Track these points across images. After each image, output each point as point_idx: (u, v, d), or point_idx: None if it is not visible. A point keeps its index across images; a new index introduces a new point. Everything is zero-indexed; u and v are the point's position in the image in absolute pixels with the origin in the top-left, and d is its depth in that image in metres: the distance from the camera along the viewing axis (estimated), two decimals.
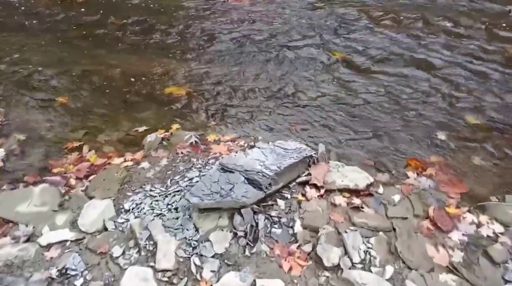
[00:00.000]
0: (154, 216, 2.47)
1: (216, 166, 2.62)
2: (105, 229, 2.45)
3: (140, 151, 3.21)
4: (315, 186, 2.76)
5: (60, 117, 3.69)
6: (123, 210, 2.57)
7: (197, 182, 2.71)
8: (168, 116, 3.73)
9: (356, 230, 2.41)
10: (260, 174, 2.51)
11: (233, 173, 2.52)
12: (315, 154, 3.01)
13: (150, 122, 3.61)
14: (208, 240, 2.31)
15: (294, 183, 2.78)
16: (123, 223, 2.47)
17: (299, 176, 2.84)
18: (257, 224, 2.43)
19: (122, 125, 3.60)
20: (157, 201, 2.59)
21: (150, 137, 3.28)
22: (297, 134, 3.44)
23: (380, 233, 2.43)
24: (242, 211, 2.42)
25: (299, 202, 2.63)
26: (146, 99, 3.99)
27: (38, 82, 4.20)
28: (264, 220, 2.47)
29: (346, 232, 2.40)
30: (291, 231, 2.44)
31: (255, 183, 2.46)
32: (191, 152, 3.14)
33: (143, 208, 2.54)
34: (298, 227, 2.45)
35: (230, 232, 2.37)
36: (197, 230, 2.36)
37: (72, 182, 2.87)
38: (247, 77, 4.27)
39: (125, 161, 3.07)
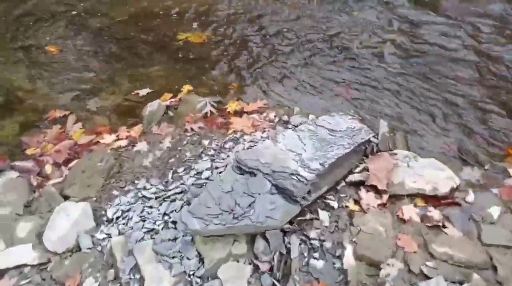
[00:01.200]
0: (144, 233, 1.76)
1: (231, 164, 1.83)
2: (79, 248, 1.77)
3: (139, 124, 2.45)
4: (374, 189, 1.93)
5: (46, 73, 2.95)
6: (105, 219, 1.87)
7: (207, 178, 1.95)
8: (179, 73, 2.90)
9: (437, 272, 1.59)
10: (295, 177, 1.70)
11: (255, 175, 1.72)
12: (374, 136, 2.13)
13: (156, 82, 2.81)
14: (217, 277, 1.58)
15: (343, 183, 1.96)
16: (103, 239, 1.78)
17: (351, 172, 2.01)
18: (288, 251, 1.68)
19: (121, 85, 2.82)
20: (150, 207, 1.86)
21: (152, 106, 2.48)
22: (349, 104, 2.53)
23: (474, 275, 1.61)
24: (268, 233, 1.66)
25: (351, 214, 1.83)
26: (155, 48, 3.16)
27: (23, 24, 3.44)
28: (300, 244, 1.70)
29: (423, 272, 1.60)
30: (338, 264, 1.66)
31: (287, 193, 1.66)
32: (204, 127, 2.35)
33: (131, 218, 1.83)
34: (349, 258, 1.67)
35: (250, 264, 1.64)
36: (201, 259, 1.64)
37: (48, 169, 2.18)
38: (285, 19, 3.29)
39: (117, 139, 2.34)
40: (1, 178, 2.08)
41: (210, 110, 2.47)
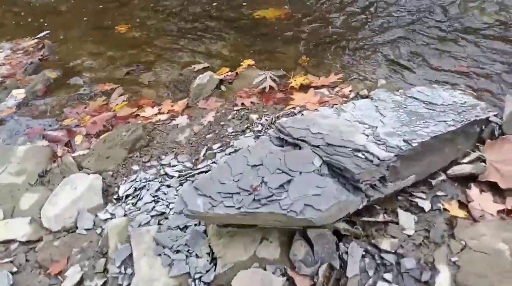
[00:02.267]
0: (152, 217, 1.33)
1: (269, 133, 1.32)
2: (76, 228, 1.41)
3: (185, 98, 2.08)
4: (493, 188, 1.25)
5: (110, 49, 2.79)
6: (115, 197, 1.49)
7: None
8: (246, 49, 2.50)
9: None
10: (361, 155, 1.12)
11: (300, 148, 1.18)
12: (496, 115, 1.43)
13: (217, 57, 2.44)
14: None
15: (442, 176, 1.30)
16: (105, 221, 1.40)
17: (455, 162, 1.34)
18: (343, 265, 1.09)
19: (180, 60, 2.52)
20: (168, 186, 1.43)
21: (201, 79, 2.10)
22: (459, 80, 1.84)
23: None
24: (310, 233, 1.10)
25: (452, 222, 1.17)
26: (225, 25, 2.82)
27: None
28: (363, 257, 1.10)
29: None
30: None
31: (345, 176, 1.09)
32: (259, 102, 1.88)
33: (142, 198, 1.42)
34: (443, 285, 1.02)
35: (282, 275, 1.09)
36: (213, 260, 1.14)
37: (78, 140, 1.91)
38: None
39: (159, 112, 1.99)
40: (26, 146, 1.85)
41: (270, 85, 1.99)
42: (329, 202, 1.01)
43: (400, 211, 1.20)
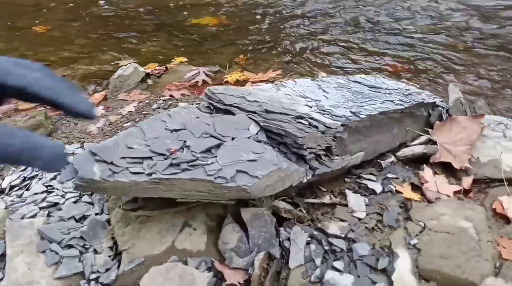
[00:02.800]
0: (40, 208, 1.02)
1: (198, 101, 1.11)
2: None
3: (104, 90, 1.81)
4: (446, 170, 1.12)
5: (23, 47, 2.46)
6: None
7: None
8: (177, 49, 2.30)
9: None
10: (304, 121, 0.94)
11: (233, 115, 0.98)
12: (441, 101, 1.35)
13: (146, 55, 2.22)
14: None
15: (391, 158, 1.16)
16: None
17: (404, 145, 1.22)
18: (285, 253, 0.87)
19: (103, 57, 2.25)
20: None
21: (123, 70, 1.85)
22: (398, 78, 1.79)
23: None
24: (245, 213, 0.87)
25: (405, 205, 1.01)
26: (158, 28, 2.63)
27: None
28: (308, 244, 0.89)
29: None
30: (382, 285, 0.83)
31: (286, 143, 0.90)
32: (190, 95, 1.66)
33: (31, 188, 1.11)
34: (404, 275, 0.83)
35: (207, 270, 0.84)
36: (116, 255, 0.87)
37: None
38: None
39: None
40: None
41: (203, 80, 1.80)
42: (267, 168, 0.80)
43: (348, 192, 1.02)
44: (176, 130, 0.88)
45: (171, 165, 0.78)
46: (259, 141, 0.89)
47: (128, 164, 0.77)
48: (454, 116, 1.25)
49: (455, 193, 1.05)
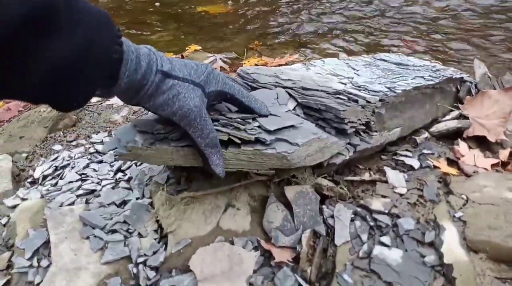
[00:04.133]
0: (77, 196, 1.02)
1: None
2: None
3: None
4: (481, 143, 1.12)
5: None
6: (29, 181, 1.15)
7: None
8: (190, 37, 2.29)
9: None
10: (343, 97, 0.93)
11: (269, 90, 0.97)
12: (468, 76, 1.34)
13: (158, 46, 2.20)
14: (188, 271, 0.79)
15: (425, 134, 1.15)
16: (14, 207, 1.05)
17: (436, 121, 1.21)
18: (330, 230, 0.87)
19: None
20: (100, 162, 1.13)
21: None
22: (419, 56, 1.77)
23: None
24: (289, 191, 0.87)
25: (444, 180, 1.00)
26: (167, 18, 2.60)
27: None
28: (352, 220, 0.89)
29: None
30: (431, 258, 0.82)
31: (326, 118, 0.89)
32: None
33: (65, 176, 1.10)
34: (453, 247, 0.83)
35: (254, 249, 0.84)
36: (162, 238, 0.87)
37: None
38: None
39: None
40: None
41: (221, 67, 1.78)
42: (307, 136, 0.79)
43: (387, 169, 1.02)
44: (215, 104, 0.87)
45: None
46: (297, 115, 0.88)
47: (168, 133, 0.76)
48: (484, 90, 1.23)
49: (493, 166, 1.04)
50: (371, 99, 0.93)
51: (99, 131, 1.33)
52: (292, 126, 0.79)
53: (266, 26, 2.21)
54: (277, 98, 0.90)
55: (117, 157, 0.75)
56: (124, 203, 0.95)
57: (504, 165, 1.04)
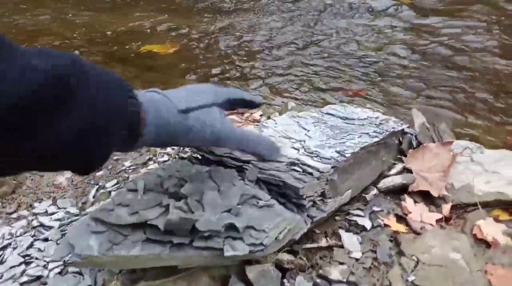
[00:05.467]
0: (20, 285, 0.94)
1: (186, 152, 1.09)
2: None
3: None
4: (425, 198, 1.19)
5: None
6: None
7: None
8: (137, 83, 2.24)
9: None
10: (298, 168, 0.95)
11: (225, 167, 0.97)
12: (408, 127, 1.43)
13: None
14: None
15: (374, 191, 1.20)
16: None
17: (383, 175, 1.27)
18: None
19: None
20: (45, 241, 1.05)
21: None
22: (359, 101, 1.86)
23: None
24: (250, 272, 0.86)
25: (395, 239, 1.05)
26: (110, 58, 2.53)
27: None
28: None
29: None
30: None
31: (285, 194, 0.90)
32: None
33: (6, 260, 1.01)
34: None
35: None
36: None
37: None
38: (270, 31, 2.73)
39: None
40: None
41: None
42: (273, 220, 0.80)
43: (342, 232, 1.05)
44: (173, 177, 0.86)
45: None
46: (252, 197, 0.89)
47: (127, 233, 0.74)
48: (425, 143, 1.32)
49: (438, 221, 1.11)
50: (324, 169, 0.96)
51: (42, 199, 1.25)
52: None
53: (214, 67, 2.23)
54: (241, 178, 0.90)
55: (71, 264, 0.71)
56: None
57: (447, 220, 1.12)
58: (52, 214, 1.17)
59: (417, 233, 1.08)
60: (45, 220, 1.14)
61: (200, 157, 1.01)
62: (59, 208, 1.19)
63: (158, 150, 1.42)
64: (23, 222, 1.15)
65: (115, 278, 0.85)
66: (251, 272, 0.86)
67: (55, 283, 0.91)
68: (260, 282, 0.85)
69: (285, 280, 0.91)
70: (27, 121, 0.39)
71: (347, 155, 1.07)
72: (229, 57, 2.45)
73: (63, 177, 1.37)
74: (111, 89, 0.51)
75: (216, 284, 0.88)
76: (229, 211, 0.77)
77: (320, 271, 0.94)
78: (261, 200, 0.84)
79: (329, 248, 1.01)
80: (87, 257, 0.71)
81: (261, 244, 0.75)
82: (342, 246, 1.01)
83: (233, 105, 0.82)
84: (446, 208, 1.14)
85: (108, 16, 3.60)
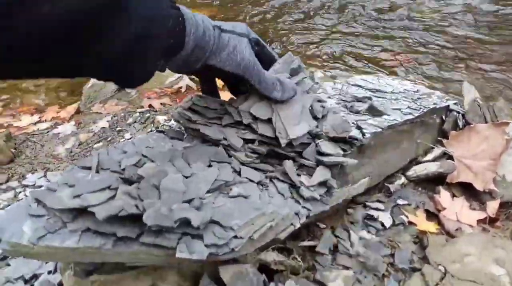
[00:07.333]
0: None
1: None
2: None
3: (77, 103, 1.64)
4: (467, 191, 0.96)
5: None
6: None
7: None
8: None
9: None
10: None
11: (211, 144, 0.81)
12: (456, 104, 1.17)
13: None
14: None
15: (402, 179, 0.99)
16: None
17: (415, 161, 1.04)
18: None
19: None
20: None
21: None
22: (405, 72, 1.60)
23: None
24: (224, 272, 0.71)
25: (420, 240, 0.85)
26: None
27: None
28: None
29: None
30: None
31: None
32: (171, 104, 1.49)
33: None
34: None
35: None
36: None
37: None
38: None
39: (39, 121, 1.53)
40: None
41: (187, 85, 1.62)
42: (248, 215, 0.63)
43: (352, 231, 0.86)
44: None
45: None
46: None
47: (68, 220, 0.61)
48: (472, 124, 1.07)
49: (479, 221, 0.89)
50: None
51: (35, 170, 1.18)
52: None
53: None
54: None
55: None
56: (35, 277, 0.80)
57: (492, 221, 0.89)
58: (40, 186, 1.08)
59: (450, 235, 0.86)
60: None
61: (184, 131, 0.86)
62: (48, 181, 1.11)
63: (162, 121, 1.29)
64: (10, 194, 1.08)
65: (70, 268, 0.74)
66: (226, 273, 0.71)
67: (17, 267, 0.82)
68: (235, 284, 0.70)
69: (272, 283, 0.75)
70: (99, 24, 0.43)
71: (366, 136, 0.86)
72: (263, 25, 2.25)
73: (63, 147, 1.29)
74: (157, 1, 0.52)
75: (186, 283, 0.74)
76: (189, 201, 0.61)
77: (318, 276, 0.77)
78: (241, 183, 0.68)
79: (335, 249, 0.83)
80: (15, 245, 0.59)
81: (226, 245, 0.59)
82: (350, 246, 0.83)
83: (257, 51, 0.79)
84: (492, 206, 0.90)
85: None
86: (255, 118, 0.75)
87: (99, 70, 0.50)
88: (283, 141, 0.71)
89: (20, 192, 1.09)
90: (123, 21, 0.46)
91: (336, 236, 0.84)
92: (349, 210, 0.91)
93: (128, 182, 0.66)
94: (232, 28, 0.67)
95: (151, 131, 1.28)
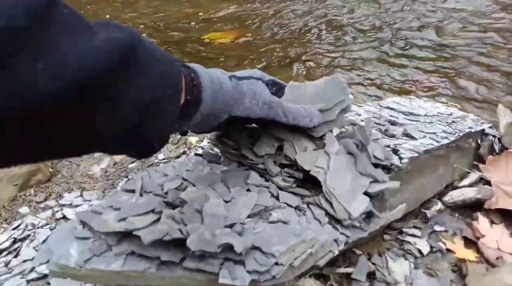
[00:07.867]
0: (27, 282, 0.88)
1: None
2: None
3: None
4: (505, 217, 0.93)
5: None
6: None
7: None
8: None
9: None
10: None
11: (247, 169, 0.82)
12: (491, 127, 1.15)
13: None
14: None
15: (439, 205, 0.97)
16: None
17: (452, 186, 1.03)
18: None
19: None
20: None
21: None
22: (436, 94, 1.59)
23: None
24: None
25: (459, 268, 0.83)
26: (169, 46, 2.51)
27: None
28: None
29: None
30: None
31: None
32: None
33: (21, 252, 0.97)
34: None
35: None
36: None
37: None
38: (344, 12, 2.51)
39: None
40: None
41: None
42: (288, 241, 0.63)
43: (389, 256, 0.85)
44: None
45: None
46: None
47: (113, 243, 0.62)
48: (510, 148, 1.05)
49: None
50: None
51: (72, 189, 1.21)
52: None
53: (275, 56, 2.08)
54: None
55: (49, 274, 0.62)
56: None
57: None
58: (77, 206, 1.11)
59: (491, 264, 0.84)
60: (68, 212, 1.09)
61: (220, 154, 0.87)
62: (84, 200, 1.14)
63: (194, 142, 1.31)
64: (48, 213, 1.12)
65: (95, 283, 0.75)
66: None
67: (58, 284, 0.84)
68: None
69: None
70: (108, 90, 0.40)
71: (403, 161, 0.86)
72: (291, 43, 2.29)
73: (98, 167, 1.32)
74: (167, 59, 0.50)
75: None
76: (231, 226, 0.62)
77: None
78: (277, 209, 0.68)
79: (371, 274, 0.82)
80: (63, 267, 0.61)
81: (267, 272, 0.59)
82: (385, 275, 0.81)
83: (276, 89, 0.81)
84: None
85: (176, 5, 3.61)
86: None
87: (110, 142, 0.46)
88: (346, 223, 0.73)
89: (57, 211, 1.12)
90: (134, 84, 0.43)
91: (373, 264, 0.83)
92: (386, 236, 0.90)
93: (171, 205, 0.67)
94: (247, 75, 0.69)
95: (184, 152, 1.30)
